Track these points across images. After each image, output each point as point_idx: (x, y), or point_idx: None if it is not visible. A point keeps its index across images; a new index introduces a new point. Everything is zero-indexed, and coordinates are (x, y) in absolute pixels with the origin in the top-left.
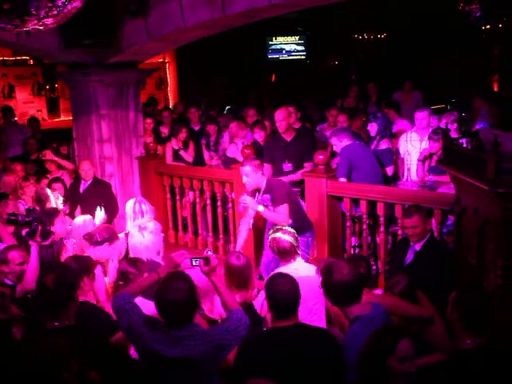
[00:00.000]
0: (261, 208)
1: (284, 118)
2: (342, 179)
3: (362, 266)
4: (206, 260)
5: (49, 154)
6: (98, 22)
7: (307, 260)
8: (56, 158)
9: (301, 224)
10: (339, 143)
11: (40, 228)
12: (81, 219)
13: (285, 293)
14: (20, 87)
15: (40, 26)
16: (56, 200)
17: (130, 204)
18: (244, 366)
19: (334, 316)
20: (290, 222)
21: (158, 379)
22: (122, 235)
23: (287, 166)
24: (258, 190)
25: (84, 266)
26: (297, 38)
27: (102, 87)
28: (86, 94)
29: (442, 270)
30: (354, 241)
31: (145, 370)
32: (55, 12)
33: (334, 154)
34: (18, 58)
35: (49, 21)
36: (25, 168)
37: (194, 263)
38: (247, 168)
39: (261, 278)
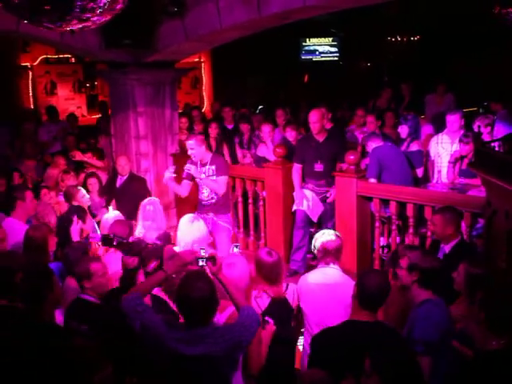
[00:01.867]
0: (202, 176)
1: (318, 120)
2: (372, 180)
3: None
4: (213, 259)
5: (78, 155)
6: (137, 22)
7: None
8: (85, 158)
9: (226, 203)
10: (370, 146)
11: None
12: (111, 215)
13: (376, 285)
14: (62, 84)
15: (83, 25)
16: (82, 198)
17: (141, 204)
18: (320, 359)
19: None
20: (223, 191)
21: (179, 378)
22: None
23: (319, 167)
24: (203, 163)
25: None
26: (330, 39)
27: (140, 85)
28: (124, 91)
29: None
30: (382, 241)
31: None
32: (98, 12)
33: (364, 155)
34: (61, 56)
35: (92, 21)
36: (67, 162)
37: (200, 263)
38: (192, 141)
39: (295, 272)
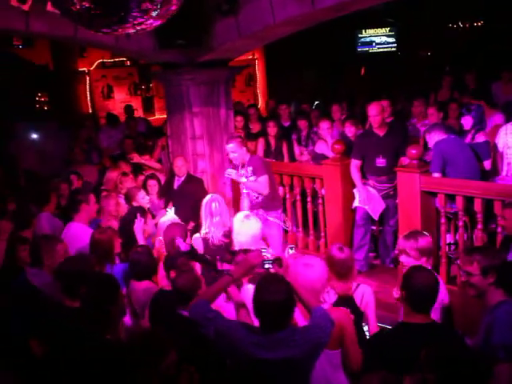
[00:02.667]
0: (243, 179)
1: (378, 113)
2: (436, 174)
3: None
4: (279, 261)
5: (136, 158)
6: (190, 22)
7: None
8: (143, 161)
9: (274, 199)
10: (433, 139)
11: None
12: (168, 218)
13: (425, 286)
14: (118, 87)
15: (139, 28)
16: (142, 199)
17: (204, 202)
18: (375, 362)
19: None
20: (267, 192)
21: (258, 382)
22: (197, 235)
23: (381, 162)
24: (243, 165)
25: None
26: (387, 29)
27: (194, 85)
28: (179, 92)
29: None
30: (449, 238)
31: (241, 372)
32: (153, 15)
33: (426, 148)
34: (116, 59)
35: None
36: (129, 165)
37: (266, 266)
38: (232, 145)
39: (358, 272)
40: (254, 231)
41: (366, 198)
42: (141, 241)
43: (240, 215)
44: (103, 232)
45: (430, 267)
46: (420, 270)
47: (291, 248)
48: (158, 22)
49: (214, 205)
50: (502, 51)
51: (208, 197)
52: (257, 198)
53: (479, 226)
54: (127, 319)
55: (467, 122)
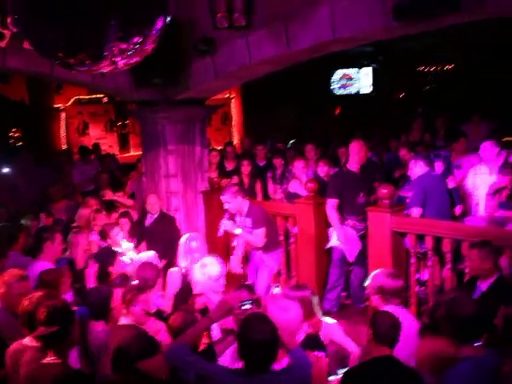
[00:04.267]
0: (238, 231)
1: (359, 151)
2: (417, 209)
3: None
4: (257, 302)
5: (108, 195)
6: (167, 61)
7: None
8: (115, 197)
9: (274, 241)
10: (414, 168)
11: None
12: (144, 256)
13: (390, 322)
14: (94, 124)
15: (114, 68)
16: (117, 237)
17: (182, 240)
18: None
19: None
20: (262, 244)
21: None
22: (175, 269)
23: (362, 199)
24: (240, 213)
25: None
26: (363, 70)
27: (170, 124)
28: (155, 130)
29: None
30: (425, 276)
31: None
32: (129, 54)
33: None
34: (93, 96)
35: (122, 63)
36: (99, 202)
37: (245, 306)
38: (226, 196)
39: (328, 312)
40: (206, 279)
41: (344, 238)
42: (91, 284)
43: (199, 263)
44: (49, 273)
45: (400, 308)
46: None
47: (277, 286)
48: (134, 61)
49: (193, 244)
50: (473, 94)
51: (187, 235)
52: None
53: (448, 266)
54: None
55: (438, 167)
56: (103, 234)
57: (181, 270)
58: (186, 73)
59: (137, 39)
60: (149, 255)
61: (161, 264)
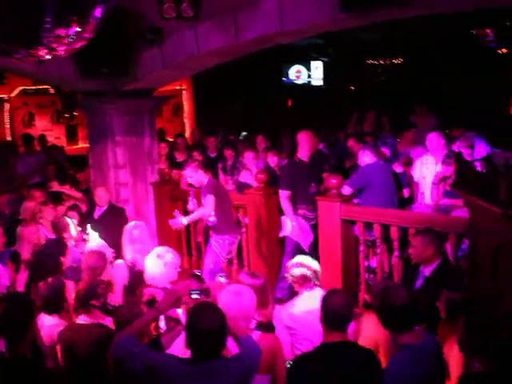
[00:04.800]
0: (185, 221)
1: (308, 141)
2: (348, 188)
3: None
4: (207, 291)
5: (55, 186)
6: (114, 51)
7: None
8: (63, 189)
9: (225, 223)
10: (362, 157)
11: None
12: (94, 245)
13: (340, 305)
14: (40, 115)
15: (54, 55)
16: (75, 228)
17: (125, 229)
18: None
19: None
20: (213, 216)
21: None
22: (121, 261)
23: (314, 189)
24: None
25: None
26: (313, 63)
27: (118, 115)
28: (103, 121)
29: None
30: (373, 264)
31: None
32: (66, 41)
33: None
34: (39, 87)
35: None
36: (45, 194)
37: (193, 296)
38: (188, 170)
39: (280, 300)
40: (157, 270)
41: (298, 230)
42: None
43: (154, 252)
44: None
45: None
46: (335, 292)
47: (221, 276)
48: (73, 47)
49: (135, 232)
50: (421, 87)
51: (130, 224)
52: (212, 219)
53: (396, 254)
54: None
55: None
56: (56, 227)
57: (127, 261)
58: (134, 63)
59: (74, 27)
60: (99, 244)
61: (111, 253)
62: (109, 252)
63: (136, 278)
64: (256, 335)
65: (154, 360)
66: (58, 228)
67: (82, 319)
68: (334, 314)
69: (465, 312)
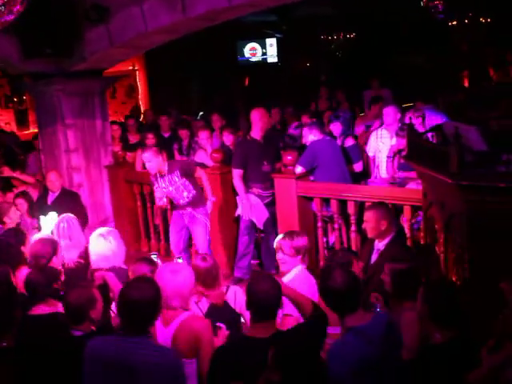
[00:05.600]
0: (170, 188)
1: (260, 119)
2: (300, 168)
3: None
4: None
5: (6, 171)
6: (57, 30)
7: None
8: (14, 174)
9: (201, 195)
10: (308, 135)
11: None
12: (44, 232)
13: (265, 293)
14: None
15: None
16: (14, 215)
17: (55, 221)
18: (217, 376)
19: None
20: (193, 190)
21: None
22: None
23: (266, 167)
24: (162, 175)
25: None
26: (268, 40)
27: (67, 96)
28: (51, 104)
29: None
30: (332, 240)
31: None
32: None
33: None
34: None
35: None
36: None
37: None
38: (147, 154)
39: (240, 280)
40: (103, 250)
41: (250, 209)
42: None
43: (96, 232)
44: None
45: (305, 265)
46: (264, 278)
47: (179, 258)
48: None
49: (62, 225)
50: (374, 61)
51: (59, 217)
52: (187, 197)
53: (353, 228)
54: None
55: (336, 128)
56: None
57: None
58: (80, 42)
59: None
60: (49, 231)
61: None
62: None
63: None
64: (184, 316)
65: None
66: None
67: (40, 309)
68: (259, 303)
69: (417, 282)
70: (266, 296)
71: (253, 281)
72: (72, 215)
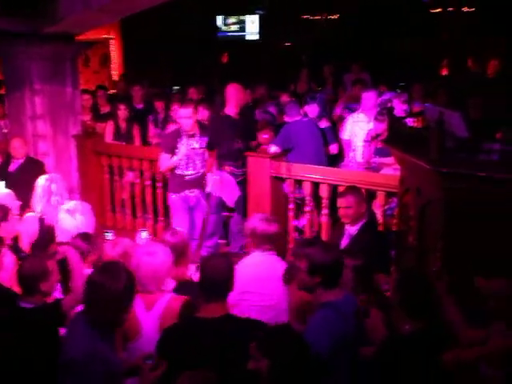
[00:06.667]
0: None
1: (235, 95)
2: (275, 147)
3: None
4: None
5: None
6: None
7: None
8: None
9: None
10: (288, 115)
11: None
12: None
13: (216, 269)
14: None
15: None
16: None
17: (41, 182)
18: (167, 356)
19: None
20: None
21: None
22: (31, 214)
23: (239, 145)
24: (191, 135)
25: None
26: (250, 17)
27: (36, 60)
28: (20, 66)
29: (375, 255)
30: (302, 223)
31: None
32: None
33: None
34: None
35: None
36: None
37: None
38: (188, 110)
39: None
40: (68, 226)
41: (220, 186)
42: None
43: (64, 206)
44: None
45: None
46: (216, 256)
47: (144, 231)
48: None
49: (53, 186)
50: (356, 44)
51: (46, 176)
52: (197, 173)
53: (325, 211)
54: None
55: (313, 109)
56: None
57: (37, 214)
58: (53, 2)
59: None
60: (5, 193)
61: (17, 206)
62: (14, 204)
63: (47, 233)
64: (166, 298)
65: None
66: None
67: None
68: (210, 279)
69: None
70: (216, 272)
71: (205, 258)
72: (58, 176)
